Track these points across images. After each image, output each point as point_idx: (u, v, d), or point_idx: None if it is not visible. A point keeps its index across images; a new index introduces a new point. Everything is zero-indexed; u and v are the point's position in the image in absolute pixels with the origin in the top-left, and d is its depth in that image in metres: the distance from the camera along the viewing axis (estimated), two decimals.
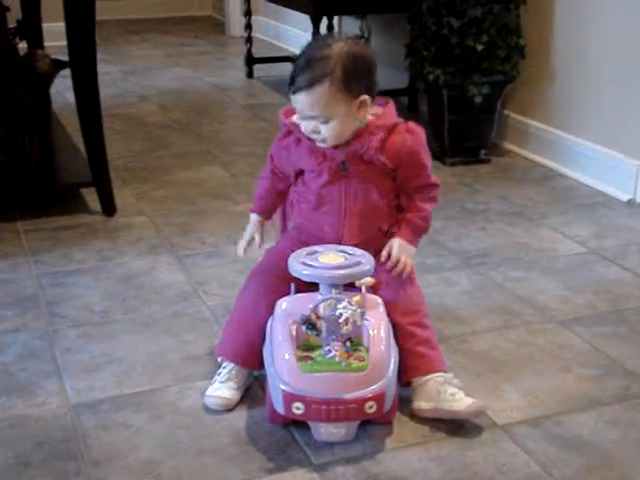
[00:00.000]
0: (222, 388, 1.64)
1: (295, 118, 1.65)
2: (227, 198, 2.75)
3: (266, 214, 1.80)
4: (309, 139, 1.64)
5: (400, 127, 1.65)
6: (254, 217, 1.80)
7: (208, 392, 1.65)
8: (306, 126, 1.60)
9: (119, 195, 2.66)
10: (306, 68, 1.56)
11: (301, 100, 1.57)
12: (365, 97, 1.59)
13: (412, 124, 1.67)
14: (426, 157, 1.68)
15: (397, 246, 1.66)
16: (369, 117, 1.63)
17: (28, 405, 1.65)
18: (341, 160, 1.63)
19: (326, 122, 1.58)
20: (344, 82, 1.55)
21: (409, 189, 1.68)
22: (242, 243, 1.79)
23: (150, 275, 2.21)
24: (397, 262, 1.65)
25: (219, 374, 1.67)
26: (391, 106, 1.68)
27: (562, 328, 1.96)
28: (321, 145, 1.62)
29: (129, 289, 2.13)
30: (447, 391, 1.59)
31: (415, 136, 1.65)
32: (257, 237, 1.78)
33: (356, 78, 1.57)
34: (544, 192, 2.84)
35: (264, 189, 1.79)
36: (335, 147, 1.63)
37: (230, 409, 1.63)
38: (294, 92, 1.58)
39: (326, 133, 1.59)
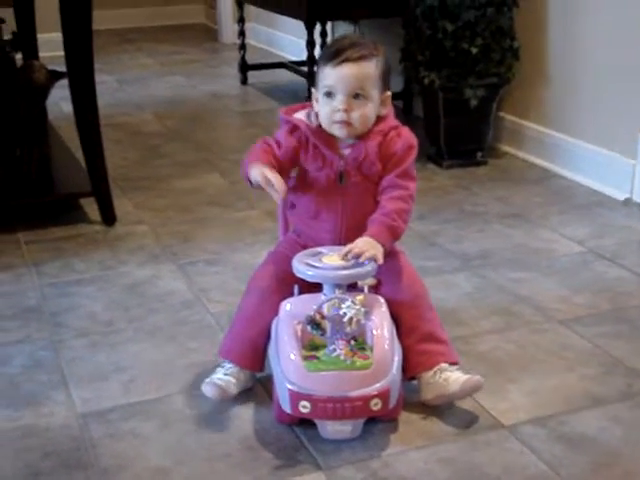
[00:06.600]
0: (223, 379, 1.65)
1: (314, 104, 1.66)
2: (226, 205, 2.76)
3: (268, 165, 1.59)
4: (314, 136, 1.64)
5: (392, 132, 1.67)
6: (259, 165, 1.58)
7: (208, 379, 1.65)
8: (337, 104, 1.61)
9: (118, 205, 2.67)
10: (355, 45, 1.62)
11: (347, 72, 1.60)
12: (389, 93, 1.68)
13: (405, 129, 1.70)
14: (404, 161, 1.66)
15: (360, 240, 1.58)
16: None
17: (36, 415, 1.66)
18: (340, 170, 1.65)
19: (362, 101, 1.61)
20: (383, 72, 1.65)
21: (380, 187, 1.66)
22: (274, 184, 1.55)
23: (152, 284, 2.22)
24: (359, 253, 1.56)
25: (223, 367, 1.68)
26: (390, 109, 1.71)
27: (563, 328, 1.97)
28: (338, 132, 1.63)
29: (132, 298, 2.14)
30: (441, 377, 1.62)
31: (402, 140, 1.67)
32: (274, 178, 1.55)
33: (388, 74, 1.67)
34: (541, 193, 2.85)
35: (261, 149, 1.64)
36: (335, 150, 1.64)
37: (224, 400, 1.64)
38: (341, 62, 1.60)
39: (357, 113, 1.61)
